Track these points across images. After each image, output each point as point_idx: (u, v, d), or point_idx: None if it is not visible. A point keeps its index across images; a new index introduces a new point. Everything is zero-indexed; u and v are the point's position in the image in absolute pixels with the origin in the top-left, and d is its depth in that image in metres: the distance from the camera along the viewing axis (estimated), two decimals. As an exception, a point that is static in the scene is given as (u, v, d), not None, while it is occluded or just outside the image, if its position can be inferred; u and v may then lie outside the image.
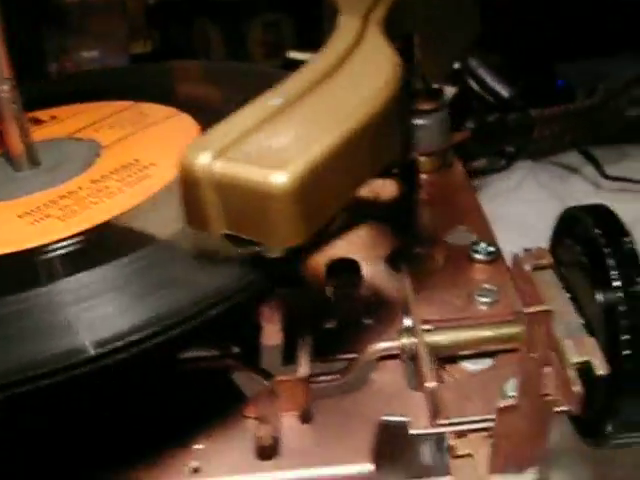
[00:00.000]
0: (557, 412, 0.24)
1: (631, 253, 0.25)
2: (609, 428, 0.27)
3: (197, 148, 0.22)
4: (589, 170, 0.53)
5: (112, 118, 0.34)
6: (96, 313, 0.23)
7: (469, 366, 0.28)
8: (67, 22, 0.63)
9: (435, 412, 0.25)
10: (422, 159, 0.38)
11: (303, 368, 0.26)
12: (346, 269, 0.32)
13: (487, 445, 0.25)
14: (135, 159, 0.30)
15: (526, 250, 0.30)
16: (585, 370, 0.25)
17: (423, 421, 0.26)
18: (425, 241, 0.34)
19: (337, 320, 0.30)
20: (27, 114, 0.35)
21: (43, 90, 0.40)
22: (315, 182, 0.22)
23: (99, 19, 0.64)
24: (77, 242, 0.26)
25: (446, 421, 0.25)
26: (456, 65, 0.59)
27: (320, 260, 0.33)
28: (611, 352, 0.25)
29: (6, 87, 0.29)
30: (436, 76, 0.36)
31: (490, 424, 0.25)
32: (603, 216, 0.27)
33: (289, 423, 0.26)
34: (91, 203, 0.28)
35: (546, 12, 0.60)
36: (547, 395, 0.24)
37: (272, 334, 0.30)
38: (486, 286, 0.30)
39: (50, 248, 0.26)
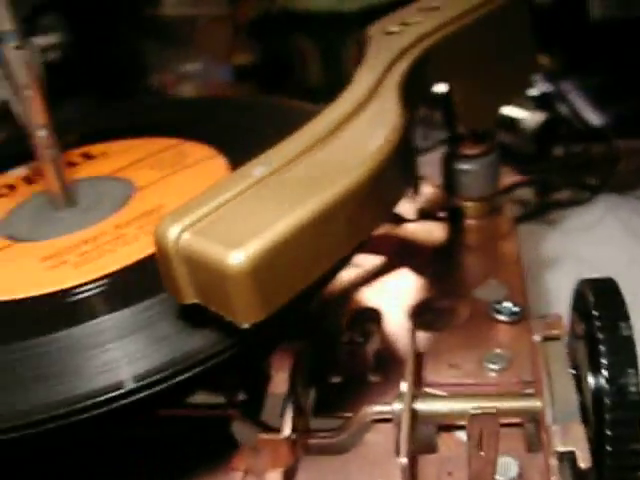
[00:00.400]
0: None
1: (626, 341, 0.24)
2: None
3: (170, 220, 0.23)
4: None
5: (155, 157, 0.35)
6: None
7: (463, 437, 0.27)
8: (167, 36, 0.65)
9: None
10: (468, 204, 0.37)
11: (286, 428, 0.26)
12: (367, 319, 0.32)
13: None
14: (159, 204, 0.31)
15: (541, 317, 0.29)
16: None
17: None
18: (453, 294, 0.33)
19: (343, 375, 0.30)
20: (80, 150, 0.37)
21: (108, 120, 0.42)
22: (276, 260, 0.22)
23: (200, 32, 0.66)
24: (80, 292, 0.27)
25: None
26: (547, 88, 0.57)
27: (343, 306, 0.33)
28: (597, 443, 0.24)
29: (42, 133, 0.31)
30: (480, 123, 0.34)
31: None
32: (606, 295, 0.25)
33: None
34: (106, 251, 0.29)
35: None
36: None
37: (279, 383, 0.30)
38: (497, 351, 0.29)
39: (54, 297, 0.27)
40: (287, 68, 0.66)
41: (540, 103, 0.55)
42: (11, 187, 0.35)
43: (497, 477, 0.25)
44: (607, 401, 0.23)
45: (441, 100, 0.34)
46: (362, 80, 0.29)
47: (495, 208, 0.37)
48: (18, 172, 0.36)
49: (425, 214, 0.36)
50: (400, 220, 0.36)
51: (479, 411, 0.22)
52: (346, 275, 0.34)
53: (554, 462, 0.24)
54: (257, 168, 0.24)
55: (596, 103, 0.53)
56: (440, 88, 0.34)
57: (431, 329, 0.31)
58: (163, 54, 0.65)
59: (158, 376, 0.23)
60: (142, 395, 0.23)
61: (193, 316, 0.25)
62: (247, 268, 0.21)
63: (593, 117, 0.52)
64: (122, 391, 0.23)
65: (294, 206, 0.22)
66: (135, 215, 0.31)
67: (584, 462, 0.23)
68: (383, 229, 0.37)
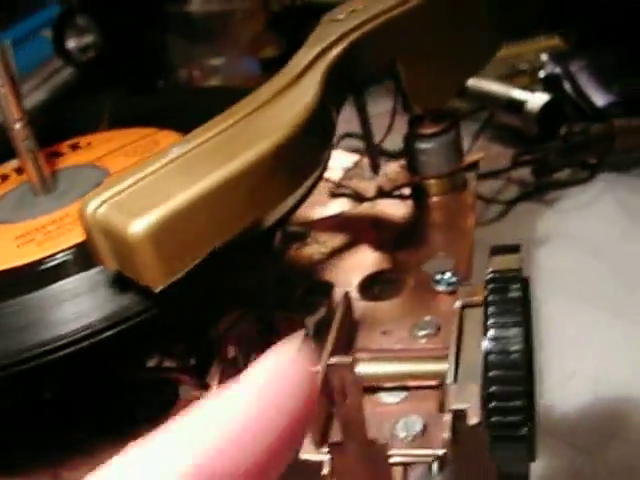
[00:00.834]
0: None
1: (511, 302, 0.25)
2: None
3: (92, 195, 0.25)
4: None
5: (131, 146, 0.38)
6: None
7: (384, 397, 0.29)
8: (193, 31, 0.68)
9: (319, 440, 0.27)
10: (431, 182, 0.38)
11: (213, 390, 0.29)
12: (319, 291, 0.34)
13: None
14: (124, 188, 0.34)
15: (467, 284, 0.31)
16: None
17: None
18: (401, 266, 0.34)
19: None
20: (71, 141, 0.40)
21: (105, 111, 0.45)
22: (175, 228, 0.24)
23: (224, 27, 0.69)
24: (41, 264, 0.30)
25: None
26: (557, 70, 0.57)
27: (300, 279, 0.35)
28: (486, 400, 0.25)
29: (18, 126, 0.34)
30: (431, 102, 0.36)
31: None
32: (501, 260, 0.26)
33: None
34: (67, 230, 0.32)
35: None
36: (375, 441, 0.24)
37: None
38: (427, 318, 0.31)
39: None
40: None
41: (548, 84, 0.55)
42: (4, 177, 0.39)
43: (400, 432, 0.26)
44: (491, 359, 0.25)
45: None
46: (295, 63, 0.31)
47: (458, 185, 0.38)
48: (12, 164, 0.40)
49: (383, 192, 0.38)
50: (361, 198, 0.37)
51: (334, 361, 0.23)
52: (306, 251, 0.36)
53: (447, 418, 0.25)
54: (175, 148, 0.27)
55: (603, 82, 0.53)
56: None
57: (373, 299, 0.33)
58: (190, 50, 0.68)
59: (89, 331, 0.26)
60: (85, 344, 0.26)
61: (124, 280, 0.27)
62: (145, 235, 0.23)
63: (598, 97, 0.52)
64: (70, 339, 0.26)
65: (194, 179, 0.25)
66: (100, 198, 0.34)
67: (473, 418, 0.25)
68: (346, 207, 0.39)
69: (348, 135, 0.52)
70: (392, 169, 0.39)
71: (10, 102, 0.34)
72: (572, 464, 0.37)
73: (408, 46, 0.34)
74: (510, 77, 0.60)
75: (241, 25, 0.69)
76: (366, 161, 0.38)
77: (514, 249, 0.27)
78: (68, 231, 0.32)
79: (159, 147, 0.37)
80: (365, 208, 0.38)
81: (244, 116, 0.28)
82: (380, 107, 0.47)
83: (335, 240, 0.37)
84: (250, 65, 0.70)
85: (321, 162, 0.28)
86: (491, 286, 0.26)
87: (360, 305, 0.33)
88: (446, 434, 0.25)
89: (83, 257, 0.30)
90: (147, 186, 0.25)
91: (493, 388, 0.25)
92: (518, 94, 0.56)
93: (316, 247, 0.37)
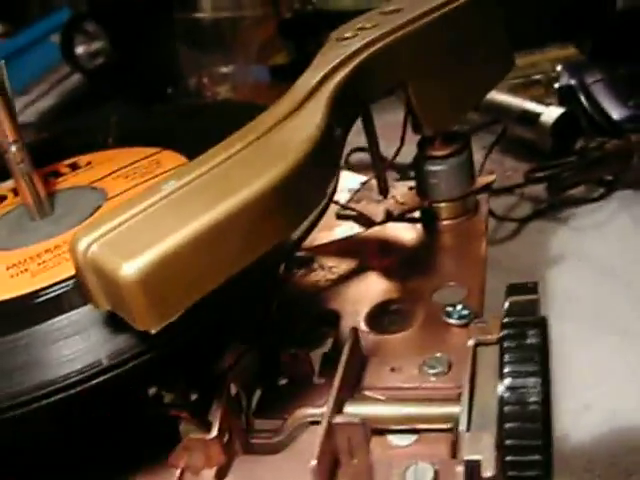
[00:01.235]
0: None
1: (531, 349, 0.23)
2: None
3: (82, 232, 0.24)
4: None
5: (132, 167, 0.37)
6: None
7: (394, 440, 0.27)
8: (203, 38, 0.67)
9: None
10: (441, 205, 0.37)
11: (214, 429, 0.27)
12: (324, 320, 0.33)
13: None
14: (122, 214, 0.32)
15: (480, 322, 0.29)
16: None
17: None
18: (411, 296, 0.33)
19: (288, 377, 0.31)
20: (70, 160, 0.39)
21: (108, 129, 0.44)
22: (169, 271, 0.23)
23: (234, 34, 0.68)
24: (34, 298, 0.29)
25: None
26: (572, 81, 0.55)
27: (305, 308, 0.34)
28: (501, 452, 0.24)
29: (13, 149, 0.33)
30: (441, 124, 0.34)
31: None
32: (518, 302, 0.25)
33: (206, 478, 0.28)
34: (63, 259, 0.30)
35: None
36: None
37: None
38: (438, 355, 0.29)
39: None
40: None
41: (563, 96, 0.54)
42: (1, 198, 0.38)
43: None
44: (507, 410, 0.23)
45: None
46: (299, 88, 0.29)
47: (469, 208, 0.37)
48: (9, 184, 0.39)
49: (392, 217, 0.36)
50: (369, 223, 0.36)
51: (342, 420, 0.22)
52: (312, 277, 0.35)
53: (460, 469, 0.24)
54: (167, 183, 0.25)
55: (619, 96, 0.51)
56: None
57: (382, 332, 0.32)
58: (199, 57, 0.67)
59: (82, 375, 0.25)
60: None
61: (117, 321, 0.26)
62: (137, 278, 0.22)
63: (614, 111, 0.51)
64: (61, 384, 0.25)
65: (188, 219, 0.23)
66: (98, 224, 0.32)
67: (488, 471, 0.23)
68: (353, 231, 0.37)
69: (358, 149, 0.50)
70: (400, 191, 0.37)
71: (5, 123, 0.32)
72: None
73: (418, 67, 0.33)
74: (525, 87, 0.59)
75: (251, 32, 0.68)
76: (374, 182, 0.37)
77: (531, 289, 0.26)
78: (65, 260, 0.30)
79: (161, 169, 0.36)
80: (373, 232, 0.37)
81: (246, 145, 0.26)
82: (390, 117, 0.45)
83: (342, 266, 0.36)
84: (260, 73, 0.68)
85: (327, 194, 0.27)
86: (507, 331, 0.24)
87: (369, 338, 0.31)
88: (458, 485, 0.24)
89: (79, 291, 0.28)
90: (140, 224, 0.24)
91: (509, 441, 0.23)
92: (532, 106, 0.54)
93: (322, 273, 0.35)
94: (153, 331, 0.23)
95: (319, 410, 0.28)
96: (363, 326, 0.32)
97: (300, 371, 0.30)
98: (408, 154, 0.36)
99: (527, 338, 0.24)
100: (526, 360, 0.23)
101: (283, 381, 0.31)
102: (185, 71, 0.67)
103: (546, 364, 0.24)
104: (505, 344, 0.24)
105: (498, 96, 0.57)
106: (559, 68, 0.56)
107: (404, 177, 0.43)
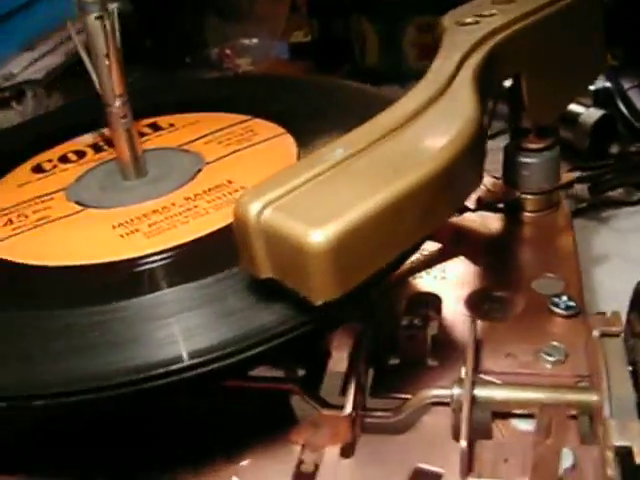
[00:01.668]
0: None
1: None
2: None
3: (251, 196, 0.23)
4: None
5: (223, 132, 0.36)
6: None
7: (519, 425, 0.28)
8: (229, 10, 0.66)
9: (465, 469, 0.25)
10: (527, 197, 0.37)
11: (348, 406, 0.27)
12: (426, 303, 0.33)
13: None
14: (229, 180, 0.32)
15: (599, 313, 0.30)
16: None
17: (457, 474, 0.26)
18: (509, 284, 0.33)
19: (401, 357, 0.30)
20: (148, 120, 0.38)
21: (177, 92, 0.43)
22: (355, 242, 0.22)
23: (261, 8, 0.67)
24: (152, 261, 0.28)
25: (476, 480, 0.26)
26: (607, 84, 0.57)
27: (403, 291, 0.34)
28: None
29: (118, 103, 0.32)
30: (544, 117, 0.35)
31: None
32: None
33: (330, 455, 0.27)
34: (178, 222, 0.30)
35: None
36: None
37: (338, 361, 0.31)
38: (554, 343, 0.30)
39: (131, 264, 0.28)
40: (345, 49, 0.66)
41: (599, 99, 0.55)
42: (80, 154, 0.36)
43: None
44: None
45: (506, 92, 0.34)
46: (438, 70, 0.29)
47: (553, 203, 0.37)
48: (86, 139, 0.37)
49: (484, 204, 0.36)
50: (462, 209, 0.36)
51: (551, 401, 0.22)
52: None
53: (610, 455, 0.24)
54: (335, 151, 0.25)
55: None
56: (507, 81, 0.34)
57: (488, 318, 0.32)
58: (222, 28, 0.66)
59: (230, 349, 0.24)
60: (212, 367, 0.24)
61: (263, 292, 0.25)
62: (326, 247, 0.22)
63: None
64: (190, 362, 0.24)
65: (373, 191, 0.23)
66: (204, 189, 0.31)
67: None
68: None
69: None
70: (488, 180, 0.37)
71: (114, 76, 0.31)
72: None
73: (534, 59, 0.33)
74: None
75: (274, 6, 0.67)
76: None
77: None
78: (181, 224, 0.29)
79: (258, 137, 0.35)
80: (461, 219, 0.37)
81: (399, 126, 0.26)
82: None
83: (431, 249, 0.36)
84: (280, 49, 0.67)
85: (481, 177, 0.27)
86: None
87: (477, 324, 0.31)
88: (610, 471, 0.24)
89: (213, 256, 0.28)
90: (317, 191, 0.23)
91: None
92: (572, 106, 0.55)
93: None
94: (321, 301, 0.23)
95: (446, 391, 0.28)
96: (465, 311, 0.32)
97: (415, 352, 0.30)
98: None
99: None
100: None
101: (395, 361, 0.31)
102: (210, 42, 0.66)
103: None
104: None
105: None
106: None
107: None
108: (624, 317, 0.29)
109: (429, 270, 0.35)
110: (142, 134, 0.37)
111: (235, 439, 0.28)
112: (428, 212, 0.24)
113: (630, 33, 0.58)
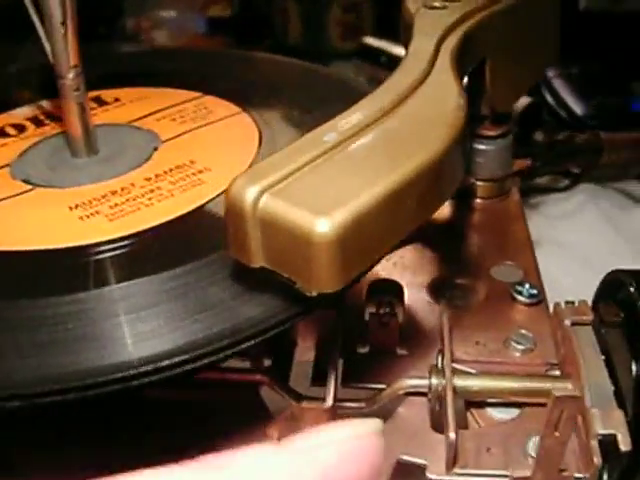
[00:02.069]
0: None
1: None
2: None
3: (247, 180, 0.22)
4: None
5: (175, 109, 0.34)
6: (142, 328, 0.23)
7: (495, 414, 0.28)
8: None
9: (451, 460, 0.25)
10: (479, 184, 0.37)
11: (329, 398, 0.26)
12: (388, 290, 0.32)
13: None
14: (191, 160, 0.30)
15: (567, 303, 0.30)
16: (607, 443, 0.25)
17: (441, 465, 0.26)
18: (470, 272, 0.33)
19: (371, 346, 0.30)
20: (91, 93, 0.35)
21: (115, 65, 0.40)
22: (359, 231, 0.21)
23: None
24: (121, 246, 0.26)
25: (462, 471, 0.26)
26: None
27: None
28: (637, 427, 0.25)
29: (71, 75, 0.29)
30: (504, 104, 0.35)
31: (505, 480, 0.25)
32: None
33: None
34: (141, 204, 0.28)
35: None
36: (564, 471, 0.23)
37: (305, 351, 0.30)
38: (522, 332, 0.30)
39: (97, 249, 0.26)
40: (265, 25, 0.65)
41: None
42: (20, 127, 0.34)
43: (532, 452, 0.26)
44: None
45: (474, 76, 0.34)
46: (417, 54, 0.28)
47: (505, 190, 0.38)
48: (24, 112, 0.35)
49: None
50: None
51: (564, 393, 0.22)
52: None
53: (595, 444, 0.24)
54: (327, 134, 0.24)
55: (580, 92, 0.54)
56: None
57: (453, 306, 0.32)
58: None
59: (217, 345, 0.23)
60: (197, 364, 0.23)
61: (247, 282, 0.24)
62: (333, 236, 0.21)
63: (576, 106, 0.53)
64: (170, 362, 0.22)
65: (374, 179, 0.22)
66: (165, 169, 0.30)
67: (625, 445, 0.24)
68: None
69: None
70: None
71: (69, 45, 0.29)
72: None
73: (500, 46, 0.33)
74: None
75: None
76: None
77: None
78: (145, 206, 0.28)
79: (213, 116, 0.33)
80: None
81: (389, 109, 0.25)
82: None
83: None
84: (198, 22, 0.65)
85: (466, 164, 0.27)
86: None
87: (436, 311, 0.31)
88: (596, 459, 0.24)
89: (187, 241, 0.26)
90: (315, 176, 0.22)
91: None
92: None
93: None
94: (314, 293, 0.22)
95: (423, 381, 0.28)
96: (428, 298, 0.32)
97: (385, 340, 0.30)
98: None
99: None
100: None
101: (364, 350, 0.30)
102: (126, 12, 0.63)
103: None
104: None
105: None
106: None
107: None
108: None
109: (388, 256, 0.34)
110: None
111: (205, 434, 0.27)
112: (424, 200, 0.23)
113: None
